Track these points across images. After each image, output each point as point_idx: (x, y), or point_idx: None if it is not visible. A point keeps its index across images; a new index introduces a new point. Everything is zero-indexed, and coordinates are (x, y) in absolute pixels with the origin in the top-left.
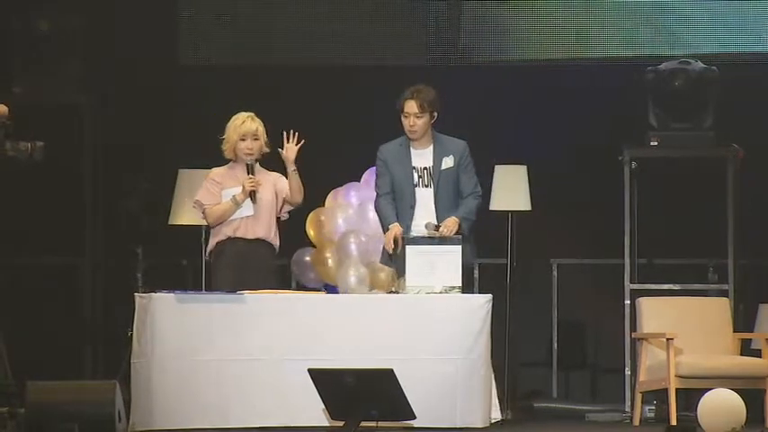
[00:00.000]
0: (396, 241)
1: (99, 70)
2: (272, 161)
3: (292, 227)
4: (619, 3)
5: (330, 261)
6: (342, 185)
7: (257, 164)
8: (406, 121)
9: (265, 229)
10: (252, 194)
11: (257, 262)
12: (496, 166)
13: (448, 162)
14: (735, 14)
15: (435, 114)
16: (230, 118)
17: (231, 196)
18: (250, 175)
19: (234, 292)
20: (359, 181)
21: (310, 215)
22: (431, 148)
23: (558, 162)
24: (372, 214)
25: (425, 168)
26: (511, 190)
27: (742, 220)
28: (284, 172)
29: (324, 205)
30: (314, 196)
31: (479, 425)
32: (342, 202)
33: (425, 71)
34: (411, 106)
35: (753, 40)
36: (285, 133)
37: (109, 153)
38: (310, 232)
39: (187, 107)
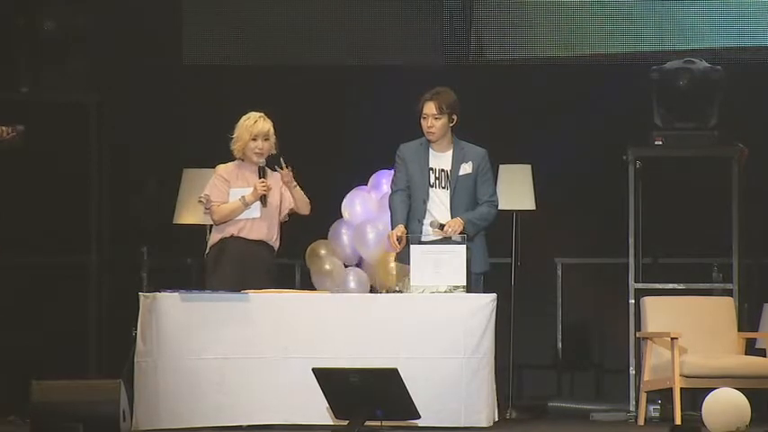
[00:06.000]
0: (399, 241)
1: (104, 70)
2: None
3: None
4: (625, 1)
5: None
6: (352, 185)
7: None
8: (424, 123)
9: (268, 231)
10: (263, 198)
11: (256, 262)
12: (501, 166)
13: (466, 168)
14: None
15: (455, 118)
16: (235, 117)
17: (241, 197)
18: (262, 179)
19: (237, 292)
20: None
21: (309, 249)
22: (450, 152)
23: (562, 161)
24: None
25: (443, 170)
26: (515, 189)
27: (746, 219)
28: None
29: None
30: (326, 196)
31: (484, 424)
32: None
33: (424, 71)
34: (429, 108)
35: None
36: (282, 160)
37: (114, 152)
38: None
39: (192, 107)
